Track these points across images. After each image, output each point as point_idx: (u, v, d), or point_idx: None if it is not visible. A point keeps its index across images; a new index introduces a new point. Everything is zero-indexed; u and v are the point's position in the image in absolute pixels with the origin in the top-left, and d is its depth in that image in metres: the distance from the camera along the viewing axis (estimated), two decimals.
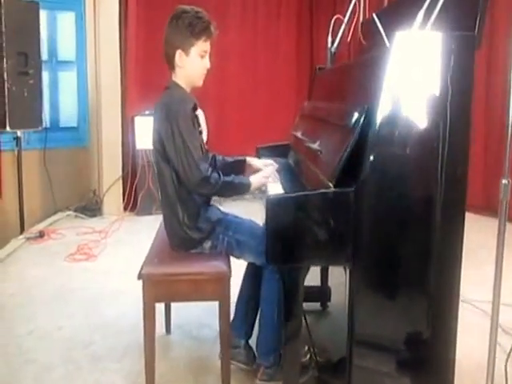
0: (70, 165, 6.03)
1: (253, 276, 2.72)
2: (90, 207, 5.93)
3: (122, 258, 4.53)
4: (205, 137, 6.32)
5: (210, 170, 2.38)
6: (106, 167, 5.98)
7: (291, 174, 2.78)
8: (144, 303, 2.39)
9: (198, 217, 2.52)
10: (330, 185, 1.90)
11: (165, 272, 2.42)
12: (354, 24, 3.28)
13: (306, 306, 2.92)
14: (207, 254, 2.53)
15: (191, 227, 2.50)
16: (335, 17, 3.24)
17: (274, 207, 1.90)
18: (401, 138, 1.86)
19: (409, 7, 2.33)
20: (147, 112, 5.67)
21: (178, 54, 2.48)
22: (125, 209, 6.00)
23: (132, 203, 5.93)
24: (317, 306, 3.25)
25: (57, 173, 5.81)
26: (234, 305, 2.75)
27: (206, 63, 2.54)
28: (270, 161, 2.89)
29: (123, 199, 6.02)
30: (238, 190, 2.51)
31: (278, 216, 1.90)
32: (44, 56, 5.63)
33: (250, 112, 7.02)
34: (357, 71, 2.34)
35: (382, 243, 1.92)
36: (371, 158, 1.85)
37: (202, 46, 2.49)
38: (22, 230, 5.17)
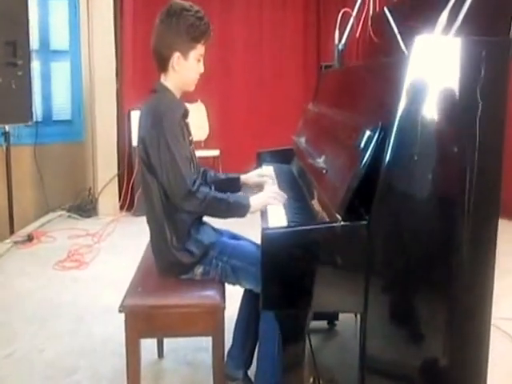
0: (63, 161, 5.74)
1: (251, 302, 2.44)
2: (85, 207, 5.67)
3: (115, 266, 4.26)
4: (205, 134, 6.17)
5: (197, 183, 2.11)
6: (101, 164, 5.68)
7: (295, 189, 2.48)
8: (126, 339, 2.12)
9: (188, 238, 2.23)
10: (338, 216, 1.60)
11: (150, 304, 2.14)
12: (363, 18, 3.00)
13: (312, 324, 2.64)
14: (198, 280, 2.25)
15: (180, 249, 2.22)
16: (343, 10, 2.95)
17: (272, 243, 1.61)
18: (421, 161, 1.57)
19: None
20: None
21: (176, 57, 2.20)
22: (121, 208, 5.72)
23: (128, 203, 5.65)
24: (323, 324, 2.98)
25: (49, 170, 5.51)
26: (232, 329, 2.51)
27: (201, 68, 2.29)
28: (266, 172, 2.65)
29: (119, 198, 5.74)
30: (233, 211, 2.21)
31: (276, 254, 1.61)
32: (35, 45, 5.34)
33: (255, 107, 6.79)
34: (368, 78, 2.04)
35: (400, 288, 1.62)
36: (387, 184, 1.55)
37: (200, 50, 2.25)
38: (12, 231, 4.89)
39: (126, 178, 5.69)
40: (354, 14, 2.95)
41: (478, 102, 1.53)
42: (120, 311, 2.10)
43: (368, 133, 1.61)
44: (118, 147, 5.72)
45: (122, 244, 4.78)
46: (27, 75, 4.88)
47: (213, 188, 2.23)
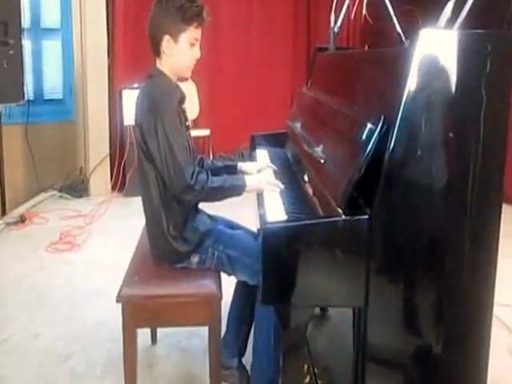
0: (54, 141, 5.66)
1: (244, 289, 2.43)
2: (76, 187, 5.61)
3: (107, 248, 4.25)
4: (196, 113, 6.11)
5: (196, 173, 2.07)
6: (92, 144, 5.60)
7: (291, 176, 2.45)
8: (123, 329, 2.10)
9: (184, 226, 2.21)
10: (339, 210, 1.58)
11: (147, 294, 2.12)
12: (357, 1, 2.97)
13: None
14: (195, 270, 2.23)
15: (177, 238, 2.20)
16: None
17: (273, 238, 1.58)
18: (425, 155, 1.54)
19: None
20: (136, 85, 5.31)
21: (166, 40, 2.15)
22: (113, 188, 5.66)
23: (120, 183, 5.58)
24: (316, 310, 2.97)
25: (40, 149, 5.43)
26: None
27: (197, 52, 2.23)
28: (265, 164, 2.60)
29: (111, 178, 5.68)
30: (230, 193, 2.20)
31: (276, 249, 1.58)
32: (27, 23, 5.23)
33: (245, 86, 6.75)
34: (370, 68, 1.99)
35: (401, 281, 1.61)
36: (389, 179, 1.53)
37: (192, 33, 2.17)
38: (4, 211, 4.85)
39: (117, 158, 5.62)
40: None
41: (482, 97, 1.51)
42: (117, 301, 2.08)
43: (370, 126, 1.59)
44: (109, 127, 5.64)
45: (114, 226, 4.75)
46: (19, 54, 4.76)
47: (209, 174, 2.20)
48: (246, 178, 2.22)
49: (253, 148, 3.15)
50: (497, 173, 1.55)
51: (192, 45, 2.19)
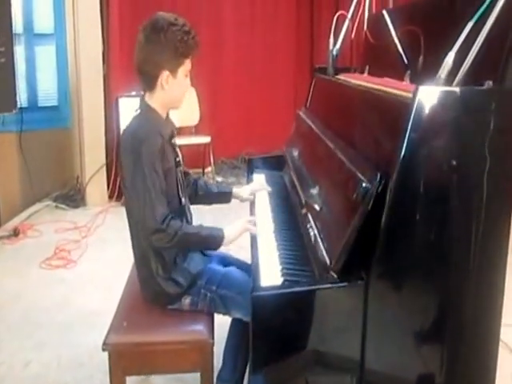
0: (49, 149, 5.55)
1: (240, 326, 2.33)
2: (72, 196, 5.51)
3: (103, 263, 4.16)
4: (196, 120, 6.04)
5: (169, 218, 1.98)
6: (88, 152, 5.48)
7: (287, 209, 2.38)
8: (111, 377, 2.03)
9: (174, 267, 2.14)
10: (334, 275, 1.50)
11: (135, 341, 2.04)
12: (358, 19, 2.87)
13: None
14: (186, 312, 2.16)
15: (166, 279, 2.13)
16: (338, 13, 2.82)
17: (263, 307, 1.50)
18: (423, 218, 1.45)
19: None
20: (133, 93, 5.22)
21: (166, 76, 2.05)
22: (110, 197, 5.58)
23: (118, 191, 5.45)
24: None
25: (35, 158, 5.29)
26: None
27: (189, 82, 2.16)
28: (260, 185, 2.61)
29: (108, 187, 5.59)
30: (206, 245, 2.15)
31: (267, 318, 1.50)
32: (19, 29, 5.12)
33: (246, 93, 6.78)
34: (368, 110, 1.89)
35: (397, 349, 1.53)
36: (386, 244, 1.45)
37: (188, 65, 2.11)
38: None
39: (114, 167, 5.50)
40: (349, 15, 2.83)
41: (485, 157, 1.41)
42: (103, 349, 2.01)
43: (366, 185, 1.50)
44: (106, 135, 5.53)
45: (111, 238, 4.63)
46: (10, 62, 4.62)
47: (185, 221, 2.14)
48: (225, 229, 2.12)
49: (250, 172, 3.09)
50: (502, 240, 1.46)
51: (186, 76, 2.12)
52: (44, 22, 5.56)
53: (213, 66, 6.21)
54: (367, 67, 2.78)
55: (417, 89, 1.38)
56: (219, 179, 6.39)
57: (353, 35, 2.92)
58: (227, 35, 6.55)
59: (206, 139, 6.03)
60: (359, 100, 2.02)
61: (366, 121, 1.87)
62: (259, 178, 2.87)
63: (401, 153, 1.41)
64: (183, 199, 2.20)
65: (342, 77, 2.81)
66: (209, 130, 6.08)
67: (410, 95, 1.42)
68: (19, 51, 5.11)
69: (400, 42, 2.20)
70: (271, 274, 1.73)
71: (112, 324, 2.10)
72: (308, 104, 3.12)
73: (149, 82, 2.10)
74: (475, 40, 1.41)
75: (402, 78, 2.09)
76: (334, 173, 1.86)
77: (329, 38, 2.88)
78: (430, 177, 1.43)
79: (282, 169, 3.03)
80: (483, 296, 1.52)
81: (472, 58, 1.40)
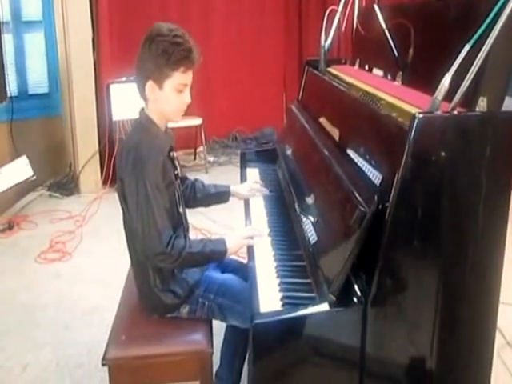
0: (41, 137, 5.51)
1: (237, 331, 2.33)
2: (66, 184, 5.48)
3: (99, 254, 4.16)
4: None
5: (173, 239, 1.95)
6: (80, 139, 5.42)
7: (282, 213, 2.38)
8: None
9: (172, 278, 2.14)
10: (332, 297, 1.50)
11: (135, 355, 2.04)
12: (347, 12, 2.86)
13: None
14: (185, 321, 2.16)
15: (164, 291, 2.13)
16: (330, 8, 2.81)
17: (265, 334, 1.50)
18: (420, 244, 1.45)
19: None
20: (124, 79, 5.16)
21: (149, 85, 1.99)
22: (104, 183, 5.54)
23: (111, 177, 5.43)
24: None
25: (27, 147, 5.24)
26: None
27: (186, 98, 2.05)
28: (256, 185, 2.62)
29: (101, 174, 5.55)
30: (209, 259, 2.14)
31: (269, 345, 1.50)
32: (6, 17, 5.06)
33: (236, 73, 6.80)
34: (364, 122, 1.87)
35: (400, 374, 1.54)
36: (385, 264, 1.44)
37: (179, 79, 1.99)
38: None
39: (107, 153, 5.48)
40: (340, 9, 2.82)
41: (482, 183, 1.40)
42: (103, 364, 2.01)
43: (361, 210, 1.49)
44: (98, 121, 5.46)
45: (106, 228, 4.61)
46: None
47: (188, 239, 2.12)
48: (228, 241, 2.10)
49: (243, 166, 3.07)
50: (496, 269, 1.46)
51: (179, 91, 2.01)
52: (32, 8, 5.48)
53: (202, 49, 6.13)
54: (358, 60, 2.77)
55: (414, 117, 1.36)
56: (211, 159, 6.41)
57: (343, 28, 2.92)
58: (216, 18, 6.51)
59: (197, 121, 6.00)
60: (356, 112, 2.00)
61: (362, 135, 1.85)
62: (253, 175, 2.87)
63: (399, 178, 1.40)
64: (181, 210, 2.18)
65: (333, 70, 2.80)
66: (200, 111, 6.03)
67: (408, 122, 1.40)
68: (8, 39, 5.05)
69: (390, 34, 2.18)
70: (270, 299, 1.72)
71: (110, 337, 2.10)
72: (300, 97, 3.10)
73: (140, 90, 2.06)
74: (472, 63, 1.39)
75: (392, 70, 2.12)
76: (330, 188, 1.85)
77: (320, 31, 2.87)
78: (426, 203, 1.42)
79: (275, 161, 3.02)
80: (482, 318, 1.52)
81: (468, 82, 1.37)
